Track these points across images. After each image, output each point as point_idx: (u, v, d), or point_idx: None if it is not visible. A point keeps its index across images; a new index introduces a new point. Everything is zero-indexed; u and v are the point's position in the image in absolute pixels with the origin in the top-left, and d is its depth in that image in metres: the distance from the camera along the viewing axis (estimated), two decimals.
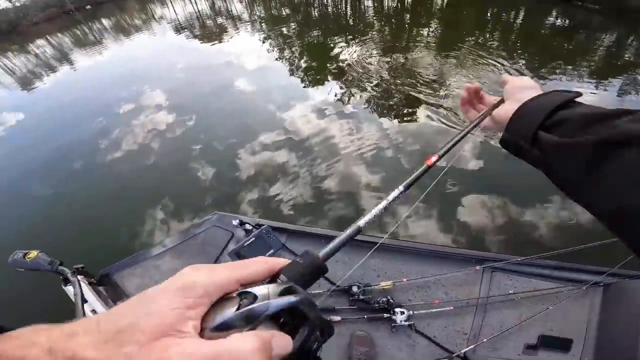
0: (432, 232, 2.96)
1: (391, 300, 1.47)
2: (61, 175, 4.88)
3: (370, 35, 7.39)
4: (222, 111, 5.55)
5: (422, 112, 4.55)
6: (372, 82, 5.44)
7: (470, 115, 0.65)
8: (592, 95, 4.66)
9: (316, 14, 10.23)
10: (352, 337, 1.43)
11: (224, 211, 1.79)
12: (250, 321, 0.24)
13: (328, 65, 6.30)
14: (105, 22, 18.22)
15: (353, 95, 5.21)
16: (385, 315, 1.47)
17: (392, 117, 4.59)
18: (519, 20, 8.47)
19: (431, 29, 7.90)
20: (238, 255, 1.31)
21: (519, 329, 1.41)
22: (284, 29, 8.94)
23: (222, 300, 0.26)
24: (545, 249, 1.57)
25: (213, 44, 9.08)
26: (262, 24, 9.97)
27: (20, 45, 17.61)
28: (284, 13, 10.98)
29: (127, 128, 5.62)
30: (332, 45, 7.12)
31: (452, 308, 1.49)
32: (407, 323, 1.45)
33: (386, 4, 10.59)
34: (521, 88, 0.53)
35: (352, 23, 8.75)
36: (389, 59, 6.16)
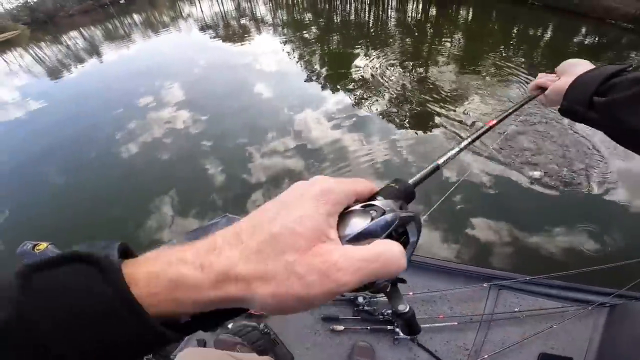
0: (437, 245, 2.87)
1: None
2: (76, 164, 5.01)
3: (391, 44, 7.32)
4: (237, 111, 5.58)
5: (438, 127, 4.43)
6: (390, 93, 5.36)
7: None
8: None
9: (338, 20, 10.25)
10: (354, 348, 1.43)
11: (230, 210, 1.77)
12: (385, 230, 0.25)
13: (346, 72, 6.26)
14: (136, 17, 18.87)
15: (369, 104, 5.14)
16: (389, 327, 1.46)
17: (407, 129, 4.49)
18: (546, 37, 8.24)
19: (454, 42, 7.77)
20: None
21: (520, 346, 1.40)
22: (305, 34, 8.98)
23: (345, 211, 0.26)
24: (553, 269, 1.55)
25: (235, 45, 9.23)
26: (284, 28, 10.06)
27: (54, 36, 18.43)
28: (306, 18, 11.06)
29: (143, 121, 5.74)
30: (351, 52, 7.09)
31: (456, 323, 1.49)
32: (410, 336, 1.44)
33: (409, 15, 10.51)
34: (575, 65, 0.61)
35: (373, 32, 8.69)
36: (409, 70, 6.07)
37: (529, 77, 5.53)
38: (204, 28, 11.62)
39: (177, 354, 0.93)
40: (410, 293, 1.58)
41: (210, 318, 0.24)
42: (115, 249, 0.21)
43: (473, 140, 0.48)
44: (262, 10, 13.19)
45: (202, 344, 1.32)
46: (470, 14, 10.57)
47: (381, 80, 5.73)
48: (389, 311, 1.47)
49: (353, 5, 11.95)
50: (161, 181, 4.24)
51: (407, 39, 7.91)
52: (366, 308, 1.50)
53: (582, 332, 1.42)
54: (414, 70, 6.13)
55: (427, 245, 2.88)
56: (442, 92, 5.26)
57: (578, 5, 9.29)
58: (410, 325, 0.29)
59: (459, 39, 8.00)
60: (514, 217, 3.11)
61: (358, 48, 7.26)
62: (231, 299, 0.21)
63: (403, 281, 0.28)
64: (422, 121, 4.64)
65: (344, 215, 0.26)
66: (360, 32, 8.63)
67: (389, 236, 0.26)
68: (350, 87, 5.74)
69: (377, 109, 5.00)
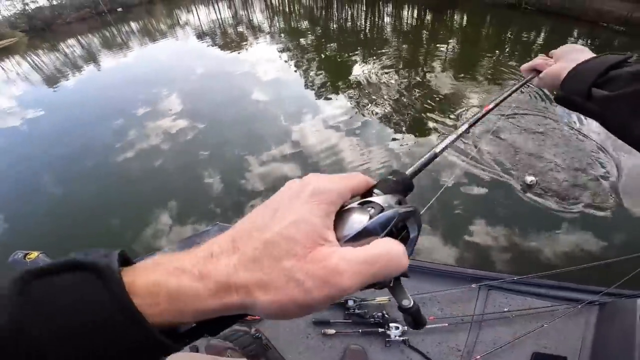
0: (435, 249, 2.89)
1: (386, 315, 1.48)
2: (73, 173, 5.01)
3: (387, 51, 7.40)
4: (235, 120, 5.62)
5: (434, 132, 4.48)
6: (386, 98, 5.42)
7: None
8: None
9: (335, 28, 10.35)
10: (346, 351, 1.44)
11: (227, 218, 1.78)
12: (384, 228, 0.25)
13: (343, 79, 6.33)
14: (133, 25, 18.96)
15: (366, 110, 5.19)
16: (380, 330, 1.48)
17: (404, 134, 4.53)
18: (540, 41, 8.34)
19: (450, 47, 7.86)
20: None
21: (512, 346, 1.42)
22: (302, 41, 9.06)
23: (342, 209, 0.26)
24: (542, 268, 1.52)
25: (232, 52, 9.30)
26: (281, 35, 10.15)
27: (52, 43, 18.47)
28: (303, 26, 11.16)
29: (142, 130, 5.76)
30: (348, 59, 7.16)
31: (446, 324, 1.50)
32: (401, 338, 1.46)
33: (405, 21, 10.63)
34: (572, 51, 0.61)
35: (370, 38, 8.79)
36: (405, 76, 6.13)
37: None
38: (201, 36, 11.69)
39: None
40: None
41: (213, 324, 0.24)
42: (115, 257, 0.21)
43: (470, 126, 0.48)
44: (259, 17, 13.29)
45: (194, 349, 1.31)
46: (465, 19, 10.69)
47: (378, 86, 5.79)
48: (380, 314, 1.49)
49: (349, 12, 12.07)
50: (159, 190, 4.25)
51: (404, 45, 8.01)
52: (357, 311, 1.51)
53: (574, 331, 1.44)
54: (410, 76, 6.20)
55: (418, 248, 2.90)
56: (438, 96, 5.31)
57: (571, 9, 9.42)
58: (416, 319, 0.29)
59: (455, 44, 8.09)
60: (503, 219, 3.15)
61: (355, 55, 7.34)
62: (232, 307, 0.21)
63: (406, 275, 0.27)
64: (419, 126, 4.70)
65: (341, 214, 0.25)
66: (356, 39, 8.73)
67: (389, 233, 0.25)
68: (348, 93, 5.80)
69: (374, 115, 5.05)
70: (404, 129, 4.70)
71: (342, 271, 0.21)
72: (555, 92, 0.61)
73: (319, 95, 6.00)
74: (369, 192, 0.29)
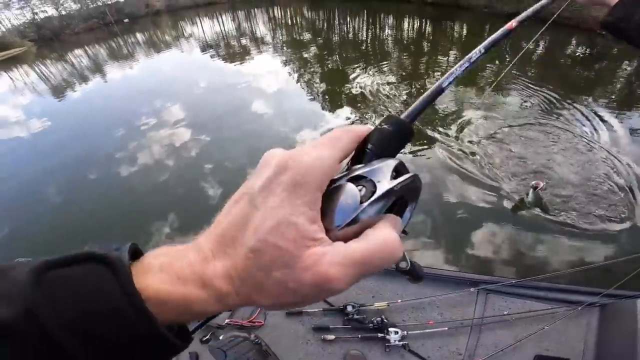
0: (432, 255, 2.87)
1: (385, 320, 1.48)
2: (76, 184, 5.03)
3: (389, 62, 7.44)
4: (237, 132, 5.63)
5: (435, 146, 4.45)
6: (388, 110, 5.41)
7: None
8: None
9: (336, 40, 10.44)
10: (346, 356, 1.44)
11: None
12: (379, 212, 0.23)
13: (345, 90, 6.34)
14: (139, 36, 19.26)
15: (368, 122, 5.18)
16: (379, 335, 1.47)
17: (407, 146, 4.52)
18: (539, 50, 8.38)
19: (451, 57, 7.90)
20: None
21: (514, 349, 1.41)
22: (304, 54, 9.14)
23: (330, 187, 0.23)
24: (539, 271, 1.60)
25: (235, 64, 9.39)
26: (284, 48, 10.25)
27: (59, 53, 18.77)
28: (305, 38, 11.28)
29: (144, 141, 5.78)
30: (350, 70, 7.19)
31: (446, 329, 1.50)
32: (400, 343, 1.45)
33: (406, 32, 10.72)
34: None
35: (371, 50, 8.85)
36: (406, 86, 6.14)
37: (525, 87, 5.63)
38: (205, 48, 11.84)
39: None
40: (399, 300, 1.58)
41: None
42: (126, 250, 0.21)
43: (486, 50, 0.41)
44: (262, 30, 13.46)
45: (194, 357, 1.31)
46: (465, 29, 10.78)
47: (380, 98, 5.80)
48: (379, 319, 1.48)
49: (351, 24, 12.20)
50: (160, 202, 4.24)
51: (405, 56, 8.05)
52: (356, 317, 1.51)
53: (576, 333, 1.43)
54: (411, 87, 6.21)
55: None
56: (440, 107, 5.31)
57: (569, 18, 9.48)
58: (415, 275, 0.28)
59: (455, 54, 8.13)
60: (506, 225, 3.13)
61: (356, 66, 7.37)
62: (234, 307, 0.23)
63: (405, 233, 0.26)
64: (421, 137, 4.66)
65: (328, 193, 0.23)
66: (358, 51, 8.79)
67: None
68: (350, 105, 5.81)
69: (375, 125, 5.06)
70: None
71: (334, 277, 0.20)
72: (602, 18, 0.66)
73: (321, 107, 6.02)
74: (362, 150, 0.26)
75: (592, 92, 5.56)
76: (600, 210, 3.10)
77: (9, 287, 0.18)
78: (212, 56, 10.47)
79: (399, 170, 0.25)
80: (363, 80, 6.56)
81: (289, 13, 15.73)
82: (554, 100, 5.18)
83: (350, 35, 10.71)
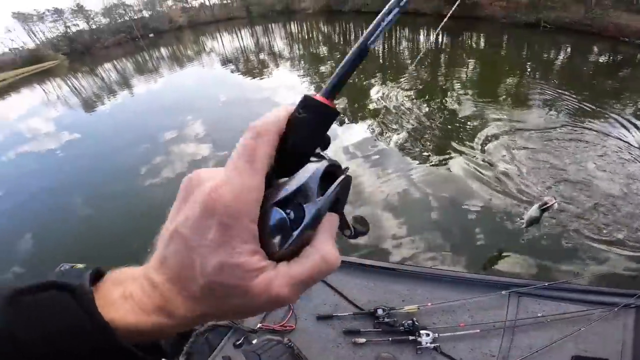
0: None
1: (416, 323, 1.48)
2: (102, 196, 5.17)
3: (407, 75, 7.33)
4: None
5: (455, 158, 4.30)
6: (407, 124, 5.30)
7: None
8: None
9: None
10: (377, 359, 1.44)
11: None
12: (314, 226, 0.23)
13: (362, 104, 6.29)
14: (163, 50, 19.99)
15: (386, 137, 5.09)
16: (410, 337, 1.46)
17: (424, 161, 4.37)
18: (561, 59, 8.09)
19: (469, 69, 7.73)
20: None
21: (549, 350, 1.37)
22: (321, 67, 9.19)
23: (261, 211, 0.22)
24: (571, 274, 1.60)
25: (254, 79, 9.55)
26: (301, 62, 10.35)
27: (90, 67, 19.69)
28: (322, 52, 11.36)
29: (167, 156, 5.89)
30: (368, 85, 7.15)
31: (478, 331, 1.47)
32: (432, 345, 1.44)
33: (423, 45, 10.61)
34: None
35: (388, 63, 8.79)
36: (425, 100, 6.02)
37: (547, 98, 5.41)
38: (225, 62, 12.13)
39: None
40: (429, 304, 1.56)
41: None
42: (87, 279, 0.23)
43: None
44: (279, 44, 13.68)
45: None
46: (483, 40, 10.58)
47: (398, 111, 5.70)
48: (409, 322, 1.48)
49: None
50: None
51: (423, 69, 7.94)
52: (386, 320, 1.50)
53: (613, 334, 1.40)
54: (429, 100, 6.08)
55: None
56: (459, 119, 5.16)
57: (590, 25, 9.13)
58: (360, 234, 0.28)
59: (474, 66, 7.96)
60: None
61: (374, 80, 7.32)
62: (205, 322, 0.25)
63: (350, 233, 0.27)
64: (440, 150, 4.52)
65: (262, 216, 0.22)
66: (376, 64, 8.74)
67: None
68: (368, 120, 5.73)
69: (393, 141, 4.94)
70: (424, 153, 4.55)
71: (285, 297, 0.22)
72: None
73: (338, 122, 5.98)
74: (284, 152, 0.24)
75: (618, 100, 5.27)
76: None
77: None
78: (232, 71, 10.69)
79: (329, 174, 0.24)
80: (381, 93, 6.50)
81: (305, 28, 15.93)
82: (580, 107, 4.97)
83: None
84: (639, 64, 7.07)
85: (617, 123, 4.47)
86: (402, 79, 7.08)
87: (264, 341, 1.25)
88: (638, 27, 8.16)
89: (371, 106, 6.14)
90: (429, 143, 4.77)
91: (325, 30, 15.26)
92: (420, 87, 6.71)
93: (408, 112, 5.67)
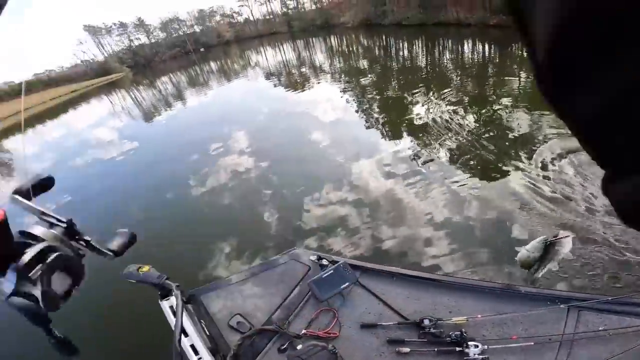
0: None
1: (464, 334, 1.36)
2: (155, 203, 5.48)
3: (451, 87, 6.96)
4: (295, 159, 5.67)
5: (508, 175, 3.89)
6: (452, 139, 4.96)
7: None
8: None
9: (394, 66, 10.23)
10: None
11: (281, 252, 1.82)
12: None
13: (405, 119, 6.05)
14: (212, 64, 21.26)
15: (429, 152, 4.80)
16: (457, 348, 1.35)
17: (471, 179, 4.02)
18: None
19: (521, 81, 7.12)
20: (316, 284, 1.43)
21: None
22: (362, 80, 9.08)
23: None
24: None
25: (295, 92, 9.70)
26: (341, 75, 10.34)
27: (150, 80, 21.49)
28: (362, 65, 11.27)
29: (213, 167, 6.12)
30: (410, 97, 6.89)
31: (532, 344, 1.34)
32: (481, 357, 1.31)
33: (468, 56, 10.07)
34: None
35: (431, 75, 8.44)
36: (472, 113, 5.62)
37: None
38: (268, 76, 12.52)
39: None
40: (479, 315, 1.46)
41: None
42: None
43: None
44: (320, 58, 13.85)
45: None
46: None
47: (443, 126, 5.38)
48: (457, 333, 1.37)
49: (407, 50, 11.91)
50: (223, 224, 4.38)
51: (468, 81, 7.49)
52: (432, 330, 1.42)
53: None
54: (478, 113, 5.66)
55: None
56: (512, 134, 4.71)
57: None
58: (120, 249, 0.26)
59: (527, 77, 7.32)
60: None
61: (416, 93, 7.05)
62: None
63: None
64: (490, 168, 4.13)
65: None
66: (417, 77, 8.45)
67: None
68: (410, 134, 5.48)
69: (438, 157, 4.63)
70: (471, 171, 4.19)
71: None
72: None
73: (379, 136, 5.79)
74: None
75: None
76: None
77: None
78: (274, 84, 11.01)
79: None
80: (424, 107, 6.21)
81: (345, 41, 15.99)
82: None
83: (409, 61, 10.42)
84: None
85: None
86: (446, 92, 6.72)
87: (309, 347, 1.25)
88: None
89: (412, 120, 5.88)
90: (475, 160, 4.41)
91: (365, 43, 15.17)
92: (466, 99, 6.30)
93: (452, 126, 5.32)
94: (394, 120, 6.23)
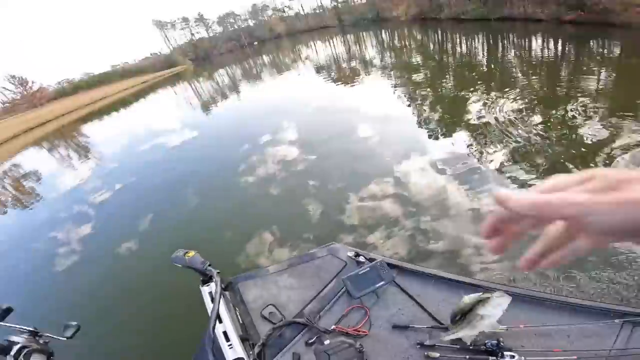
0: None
1: (502, 344, 1.24)
2: (207, 189, 5.80)
3: (515, 88, 6.23)
4: (341, 153, 5.56)
5: None
6: (512, 143, 4.44)
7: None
8: None
9: (451, 62, 9.49)
10: None
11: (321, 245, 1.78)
12: None
13: (460, 118, 5.57)
14: (265, 57, 21.81)
15: (485, 155, 4.36)
16: (491, 358, 1.24)
17: (528, 185, 3.56)
18: None
19: (600, 83, 6.15)
20: (351, 280, 1.38)
21: None
22: (414, 77, 8.58)
23: None
24: None
25: (344, 86, 9.51)
26: (393, 71, 9.88)
27: (209, 72, 22.75)
28: (415, 60, 10.65)
29: (262, 157, 6.28)
30: (467, 96, 6.33)
31: (575, 357, 1.21)
32: None
33: (536, 55, 8.94)
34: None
35: (492, 73, 7.65)
36: (539, 115, 4.98)
37: None
38: (318, 70, 12.45)
39: None
40: (520, 325, 1.35)
41: None
42: None
43: None
44: (371, 53, 13.39)
45: (297, 357, 1.30)
46: (620, 47, 8.34)
47: (503, 128, 4.85)
48: (494, 342, 1.26)
49: (466, 46, 10.97)
50: (268, 213, 4.46)
51: (536, 80, 6.65)
52: None
53: None
54: (546, 115, 4.99)
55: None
56: (586, 140, 4.08)
57: None
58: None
59: (607, 77, 6.30)
60: None
61: (475, 91, 6.45)
62: None
63: None
64: (552, 174, 3.59)
65: None
66: (477, 74, 7.73)
67: None
68: (466, 132, 5.03)
69: (494, 161, 4.19)
70: (536, 176, 3.70)
71: None
72: None
73: (431, 134, 5.41)
74: None
75: None
76: None
77: None
78: (324, 79, 10.92)
79: None
80: (482, 106, 5.65)
81: (397, 36, 15.24)
82: None
83: (467, 58, 9.57)
84: None
85: None
86: (509, 90, 6.03)
87: (337, 343, 1.23)
88: None
89: (469, 119, 5.38)
90: (540, 165, 3.88)
91: (419, 38, 14.31)
92: (534, 99, 5.58)
93: (515, 128, 4.76)
94: (449, 118, 5.78)
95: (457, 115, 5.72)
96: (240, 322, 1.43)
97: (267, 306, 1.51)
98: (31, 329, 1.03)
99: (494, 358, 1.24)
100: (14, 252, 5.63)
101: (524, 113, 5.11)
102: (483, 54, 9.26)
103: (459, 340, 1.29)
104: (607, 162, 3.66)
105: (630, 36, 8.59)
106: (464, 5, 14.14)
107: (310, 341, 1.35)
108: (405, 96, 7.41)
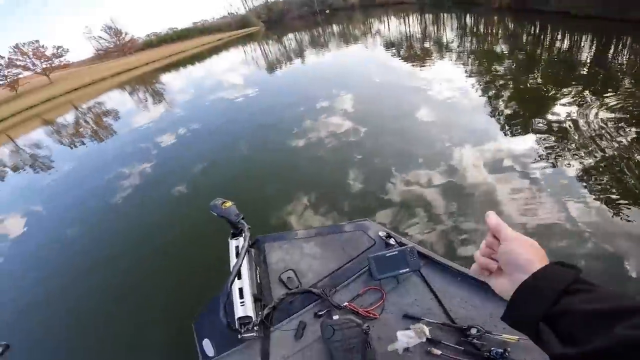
0: None
1: (507, 354, 1.16)
2: (260, 143, 5.98)
3: (618, 93, 5.12)
4: (395, 132, 5.23)
5: None
6: (595, 152, 3.71)
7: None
8: None
9: (544, 56, 8.13)
10: None
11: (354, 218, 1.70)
12: None
13: (541, 116, 4.80)
14: (335, 27, 21.04)
15: (557, 158, 3.73)
16: None
17: (604, 200, 2.96)
18: None
19: None
20: (376, 260, 1.33)
21: None
22: (495, 66, 7.57)
23: None
24: None
25: (413, 66, 8.80)
26: (470, 57, 8.82)
27: (278, 36, 22.76)
28: (500, 49, 9.34)
29: (315, 123, 6.19)
30: (555, 95, 5.42)
31: None
32: None
33: None
34: (518, 257, 0.44)
35: (593, 75, 6.38)
36: (636, 127, 4.07)
37: None
38: (388, 46, 11.65)
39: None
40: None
41: None
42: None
43: None
44: (449, 36, 12.07)
45: (303, 325, 1.29)
46: None
47: (590, 133, 4.07)
48: (500, 350, 1.18)
49: (566, 42, 9.28)
50: (309, 176, 4.46)
51: None
52: (474, 341, 1.24)
53: None
54: None
55: None
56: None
57: None
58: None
59: None
60: None
61: (566, 90, 5.48)
62: None
63: None
64: (628, 201, 2.95)
65: None
66: (573, 73, 6.53)
67: None
68: (541, 132, 4.35)
69: (567, 165, 3.57)
70: (601, 197, 3.07)
71: None
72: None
73: (499, 127, 4.79)
74: None
75: None
76: None
77: None
78: (392, 55, 10.21)
79: None
80: (571, 108, 4.79)
81: (484, 22, 13.40)
82: None
83: (565, 54, 8.09)
84: None
85: None
86: (609, 96, 5.00)
87: (345, 320, 1.20)
88: None
89: (549, 119, 4.61)
90: (612, 186, 3.19)
91: (511, 27, 12.49)
92: (635, 111, 4.56)
93: (605, 136, 3.95)
94: (525, 114, 5.03)
95: (537, 112, 4.94)
96: (258, 281, 1.41)
97: (287, 270, 1.49)
98: None
99: None
100: (88, 179, 6.52)
101: (618, 123, 4.20)
102: (587, 54, 7.75)
103: (466, 342, 1.20)
104: None
105: None
106: (579, 0, 11.70)
107: (319, 313, 1.33)
108: (479, 84, 6.61)
